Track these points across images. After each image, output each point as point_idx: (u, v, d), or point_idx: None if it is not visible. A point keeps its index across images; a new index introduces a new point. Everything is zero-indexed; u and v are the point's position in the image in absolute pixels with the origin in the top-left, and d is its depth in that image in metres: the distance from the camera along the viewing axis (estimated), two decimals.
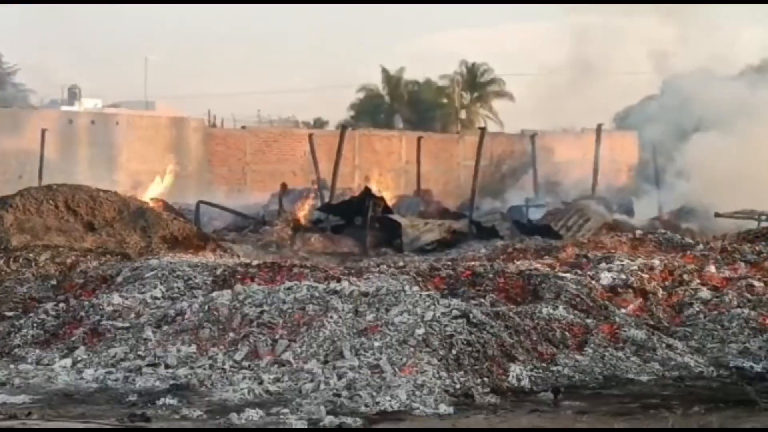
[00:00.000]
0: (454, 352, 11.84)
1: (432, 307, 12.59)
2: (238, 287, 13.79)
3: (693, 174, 35.42)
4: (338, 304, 12.80)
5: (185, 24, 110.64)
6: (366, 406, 10.71)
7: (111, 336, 13.11)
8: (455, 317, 12.38)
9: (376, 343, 11.93)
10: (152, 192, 34.67)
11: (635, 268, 16.20)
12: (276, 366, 11.95)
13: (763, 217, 28.84)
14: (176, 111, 51.21)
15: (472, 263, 16.84)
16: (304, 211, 30.91)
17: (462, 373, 11.59)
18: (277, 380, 11.60)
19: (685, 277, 16.17)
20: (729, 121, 35.82)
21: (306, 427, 10.02)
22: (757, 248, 17.74)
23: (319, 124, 70.13)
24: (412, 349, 11.78)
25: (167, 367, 12.17)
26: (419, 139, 43.41)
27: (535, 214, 33.27)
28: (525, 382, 11.78)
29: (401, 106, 76.93)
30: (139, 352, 12.58)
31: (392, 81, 77.64)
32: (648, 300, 15.37)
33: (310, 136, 38.04)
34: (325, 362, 11.82)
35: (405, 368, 11.46)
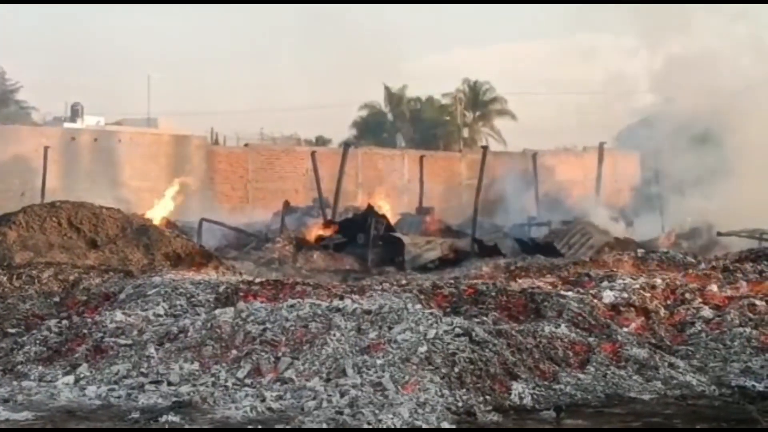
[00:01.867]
0: (456, 370, 11.86)
1: (434, 325, 12.61)
2: (241, 305, 13.81)
3: (695, 193, 35.41)
4: (341, 321, 12.82)
5: (188, 41, 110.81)
6: (368, 423, 10.70)
7: (114, 353, 13.13)
8: (458, 335, 12.39)
9: (379, 361, 11.94)
10: (156, 212, 34.65)
11: (637, 286, 16.22)
12: (278, 383, 11.96)
13: (765, 236, 28.84)
14: (179, 128, 51.31)
15: (475, 281, 16.85)
16: (313, 233, 30.81)
17: (464, 391, 11.60)
18: (280, 398, 11.61)
19: (687, 296, 16.18)
20: (731, 139, 35.83)
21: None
22: (759, 267, 17.76)
23: (322, 141, 70.24)
24: (414, 367, 11.79)
25: (170, 384, 12.18)
26: (422, 157, 43.47)
27: (537, 233, 33.30)
28: (527, 401, 11.78)
29: (404, 124, 77.05)
30: (142, 370, 12.59)
31: (395, 99, 77.79)
32: (650, 319, 15.37)
33: (313, 153, 38.05)
34: (328, 380, 11.83)
35: (407, 386, 11.47)
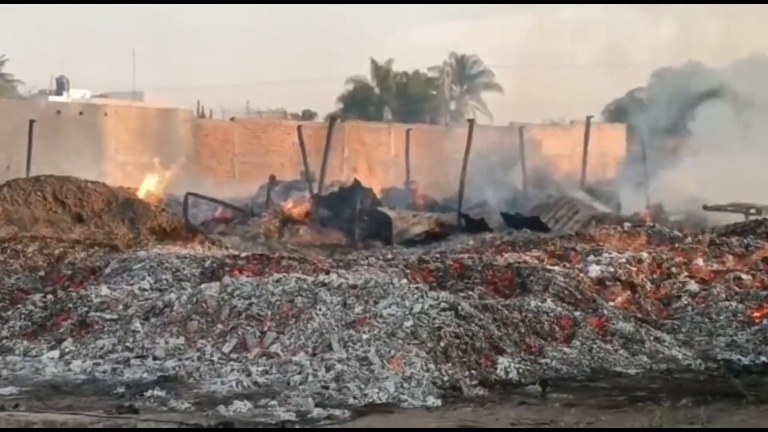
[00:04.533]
0: (442, 344, 11.85)
1: (420, 299, 12.59)
2: (227, 279, 13.78)
3: (681, 167, 35.45)
4: (327, 296, 12.79)
5: (174, 15, 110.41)
6: (354, 398, 10.72)
7: (99, 328, 13.10)
8: (443, 310, 12.38)
9: (365, 336, 11.93)
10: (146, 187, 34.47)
11: (623, 260, 16.22)
12: (264, 358, 11.94)
13: (752, 210, 28.88)
14: (165, 102, 51.13)
15: (461, 256, 16.85)
16: (299, 209, 30.72)
17: (450, 365, 11.60)
18: (266, 372, 11.60)
19: (673, 269, 16.19)
20: (717, 114, 35.86)
21: (294, 419, 10.02)
22: (745, 241, 17.77)
23: (308, 115, 69.97)
24: (400, 342, 11.78)
25: (155, 359, 12.17)
26: (408, 131, 43.45)
27: (524, 207, 33.27)
28: (513, 375, 11.79)
29: (390, 98, 76.93)
30: (127, 344, 12.57)
31: (381, 72, 77.59)
32: (636, 293, 15.39)
33: (299, 127, 37.96)
34: (314, 354, 11.82)
35: (393, 360, 11.46)
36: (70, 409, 10.37)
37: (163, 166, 35.87)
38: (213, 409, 10.29)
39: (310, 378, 11.25)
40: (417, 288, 13.09)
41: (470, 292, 13.94)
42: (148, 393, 10.91)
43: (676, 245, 17.89)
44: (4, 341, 13.25)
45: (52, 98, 51.20)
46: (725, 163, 32.46)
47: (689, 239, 18.40)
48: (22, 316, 13.75)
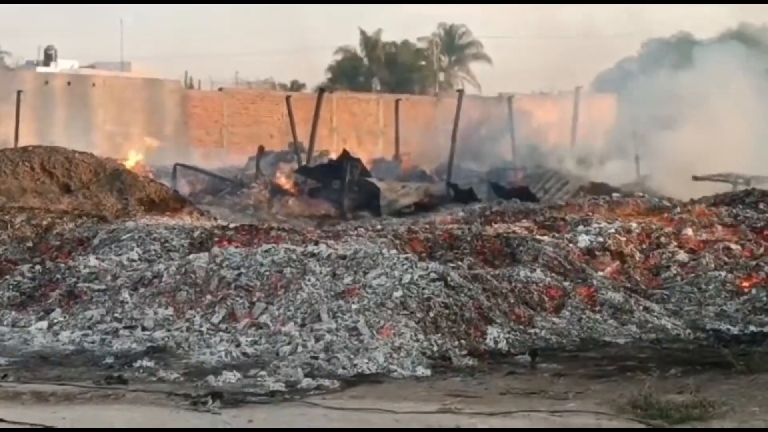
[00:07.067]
0: (431, 314, 11.84)
1: (410, 270, 12.58)
2: (216, 250, 13.75)
3: (670, 137, 35.45)
4: (316, 267, 12.77)
5: None
6: (343, 368, 10.71)
7: (87, 298, 13.07)
8: (433, 280, 12.37)
9: (354, 306, 11.92)
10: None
11: (613, 230, 16.19)
12: (253, 328, 11.93)
13: (740, 180, 28.91)
14: (153, 72, 50.93)
15: (450, 226, 16.82)
16: (286, 177, 30.64)
17: (439, 335, 11.60)
18: (255, 343, 11.60)
19: (663, 239, 16.18)
20: (706, 84, 35.84)
21: (283, 389, 10.02)
22: (734, 211, 17.76)
23: (297, 86, 69.83)
24: (389, 312, 11.77)
25: (144, 329, 12.16)
26: (397, 101, 43.39)
27: (513, 177, 33.26)
28: (502, 345, 11.80)
29: (379, 68, 76.80)
30: (116, 315, 12.54)
31: (370, 43, 77.43)
32: (625, 263, 15.38)
33: (288, 98, 37.88)
34: (303, 325, 11.81)
35: (383, 331, 11.46)
36: (59, 380, 10.37)
37: (151, 137, 35.81)
38: (202, 380, 10.29)
39: (300, 348, 11.24)
40: (406, 258, 13.07)
41: (459, 263, 13.92)
42: (137, 363, 10.91)
43: (666, 215, 17.88)
44: None
45: (40, 69, 50.95)
46: (715, 134, 32.47)
47: (678, 209, 18.38)
48: (10, 287, 13.72)
